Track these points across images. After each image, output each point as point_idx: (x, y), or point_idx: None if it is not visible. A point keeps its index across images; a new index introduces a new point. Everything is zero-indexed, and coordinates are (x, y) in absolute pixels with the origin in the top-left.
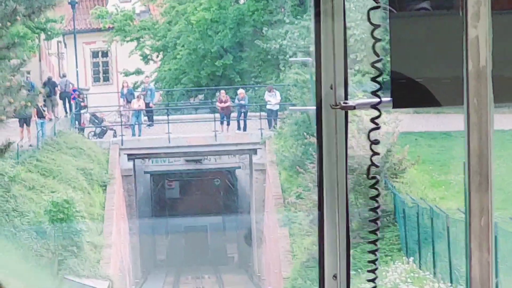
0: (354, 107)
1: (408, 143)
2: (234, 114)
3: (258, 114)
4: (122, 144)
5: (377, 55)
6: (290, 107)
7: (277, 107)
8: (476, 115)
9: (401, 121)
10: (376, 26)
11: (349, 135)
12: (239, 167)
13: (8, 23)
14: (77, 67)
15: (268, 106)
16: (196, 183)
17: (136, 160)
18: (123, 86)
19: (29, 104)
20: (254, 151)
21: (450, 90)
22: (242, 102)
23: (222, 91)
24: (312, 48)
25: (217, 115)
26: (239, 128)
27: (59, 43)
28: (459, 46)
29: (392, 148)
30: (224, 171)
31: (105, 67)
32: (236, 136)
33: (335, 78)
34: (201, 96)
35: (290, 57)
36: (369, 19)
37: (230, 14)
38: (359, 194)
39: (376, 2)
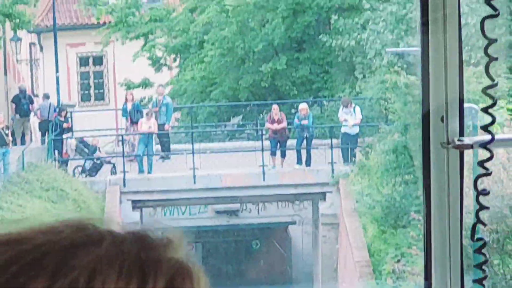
0: (471, 146)
1: None
2: (291, 142)
3: (327, 141)
4: (124, 186)
5: (492, 79)
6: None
7: (356, 129)
8: None
9: None
10: (491, 41)
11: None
12: (294, 222)
13: None
14: (58, 82)
15: (343, 129)
16: (227, 245)
17: (144, 209)
18: (126, 100)
19: None
20: (322, 196)
21: None
22: (305, 122)
23: (275, 106)
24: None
25: (266, 142)
26: (299, 161)
27: (32, 46)
28: None
29: None
30: (270, 228)
31: (98, 79)
32: (295, 174)
33: (448, 108)
34: (238, 118)
35: (372, 58)
36: (483, 31)
37: None
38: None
39: (494, 9)
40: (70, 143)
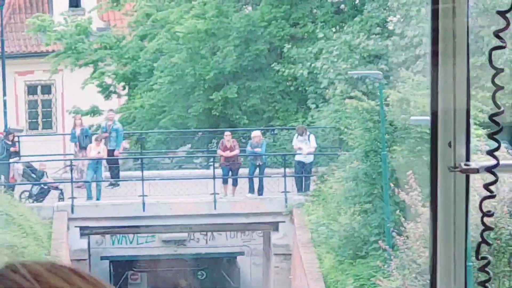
0: (477, 171)
1: None
2: (243, 170)
3: (281, 170)
4: (72, 212)
5: (498, 107)
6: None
7: (311, 158)
8: None
9: None
10: (499, 71)
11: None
12: (243, 253)
13: None
14: (5, 105)
15: (297, 157)
16: (173, 275)
17: (92, 236)
18: (74, 125)
19: None
20: (275, 226)
21: None
22: (258, 150)
23: (227, 133)
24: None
25: (218, 171)
26: (251, 190)
27: None
28: None
29: None
30: (218, 258)
31: (47, 107)
32: (247, 203)
33: (455, 133)
34: (188, 146)
35: (325, 87)
36: (490, 62)
37: (235, 24)
38: None
39: (501, 41)
40: (17, 167)
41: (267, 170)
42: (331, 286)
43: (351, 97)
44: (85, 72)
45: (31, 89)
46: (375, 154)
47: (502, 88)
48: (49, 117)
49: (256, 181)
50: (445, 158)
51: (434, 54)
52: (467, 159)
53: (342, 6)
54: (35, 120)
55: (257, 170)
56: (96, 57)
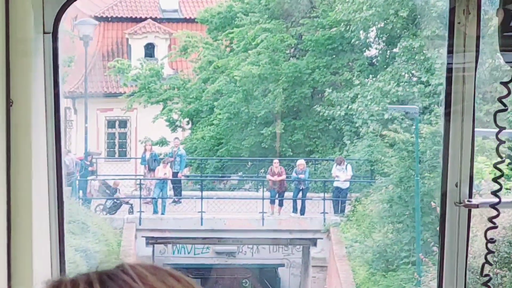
0: (477, 206)
1: None
2: (288, 193)
3: (321, 194)
4: (140, 224)
5: (501, 157)
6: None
7: (347, 185)
8: None
9: None
10: (501, 128)
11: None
12: (283, 265)
13: None
14: (86, 132)
15: (335, 184)
16: (222, 282)
17: (156, 246)
18: (145, 150)
19: None
20: (313, 242)
21: None
22: (302, 176)
23: (276, 161)
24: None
25: (266, 193)
26: (295, 210)
27: (67, 109)
28: None
29: None
30: (262, 268)
31: (123, 139)
32: (291, 221)
33: (461, 176)
34: (240, 173)
35: (359, 126)
36: (495, 121)
37: (284, 70)
38: None
39: (504, 105)
40: (93, 184)
41: (308, 194)
42: None
43: (389, 130)
44: (156, 109)
45: (110, 124)
46: (408, 180)
47: (504, 142)
48: (124, 147)
49: (299, 202)
50: (452, 195)
51: (447, 113)
52: (470, 196)
53: (375, 59)
54: (113, 149)
55: (300, 193)
56: (166, 96)
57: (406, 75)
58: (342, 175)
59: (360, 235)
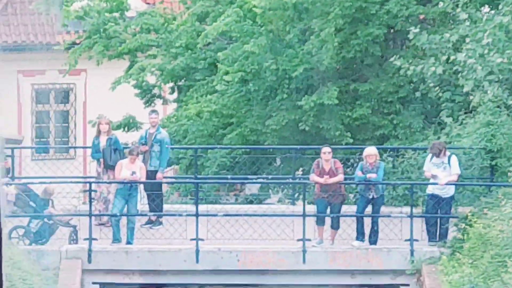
0: None
1: None
2: (348, 207)
3: (405, 208)
4: (89, 261)
5: None
6: None
7: (451, 191)
8: None
9: None
10: None
11: None
12: None
13: None
14: None
15: (429, 189)
16: None
17: None
18: (98, 132)
19: None
20: None
21: None
22: (373, 175)
23: (326, 149)
24: None
25: (310, 207)
26: (360, 236)
27: None
28: None
29: None
30: None
31: (62, 122)
32: (354, 254)
33: None
34: (262, 176)
35: (469, 92)
36: None
37: None
38: None
39: None
40: (8, 191)
41: (383, 208)
42: None
43: None
44: (118, 70)
45: (41, 96)
46: None
47: None
48: (65, 135)
49: (367, 222)
50: None
51: None
52: None
53: None
54: (44, 138)
55: (370, 207)
56: (135, 45)
57: None
58: (441, 174)
59: (478, 277)
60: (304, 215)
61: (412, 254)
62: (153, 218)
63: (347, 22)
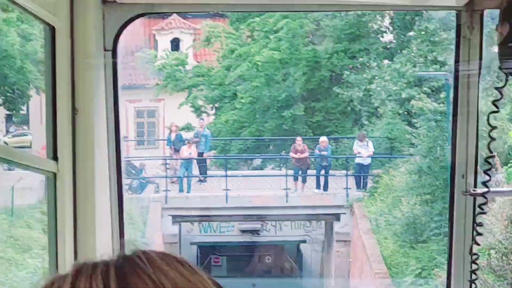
0: (481, 194)
1: None
2: (311, 171)
3: (343, 171)
4: (166, 202)
5: (491, 152)
6: None
7: (369, 161)
8: None
9: None
10: (493, 128)
11: None
12: (305, 241)
13: None
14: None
15: (357, 160)
16: (248, 260)
17: (183, 224)
18: (170, 131)
19: None
20: (337, 217)
21: None
22: (325, 153)
23: (299, 139)
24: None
25: (289, 171)
26: (318, 186)
27: None
28: None
29: None
30: (285, 245)
31: (151, 128)
32: (314, 197)
33: (467, 168)
34: (263, 153)
35: (377, 106)
36: (488, 121)
37: (304, 55)
38: None
39: (496, 107)
40: None
41: (331, 171)
42: (393, 267)
43: (416, 99)
44: (182, 97)
45: (139, 114)
46: (438, 150)
47: (494, 139)
48: (153, 135)
49: (322, 179)
50: (460, 185)
51: (454, 115)
52: (475, 186)
53: (391, 44)
54: (142, 136)
55: (323, 170)
56: (191, 83)
57: (421, 57)
58: (363, 151)
59: (386, 208)
60: (286, 175)
61: (347, 196)
62: (202, 178)
63: (309, 68)
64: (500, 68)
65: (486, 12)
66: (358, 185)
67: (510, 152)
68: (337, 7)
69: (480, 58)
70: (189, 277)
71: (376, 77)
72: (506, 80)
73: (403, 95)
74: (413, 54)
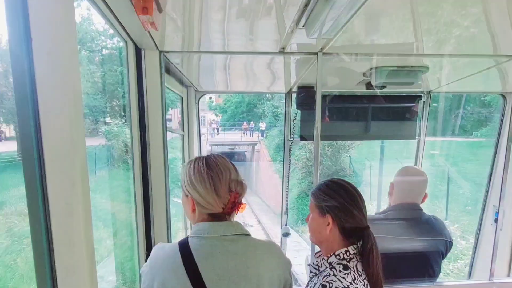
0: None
1: None
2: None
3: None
4: None
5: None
6: None
7: (263, 126)
8: None
9: None
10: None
11: None
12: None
13: None
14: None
15: (261, 128)
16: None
17: None
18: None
19: None
20: (256, 144)
21: None
22: (252, 126)
23: (245, 122)
24: None
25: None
26: (251, 135)
27: None
28: None
29: None
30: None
31: None
32: (249, 139)
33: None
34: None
35: None
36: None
37: None
38: None
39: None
40: None
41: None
42: (274, 158)
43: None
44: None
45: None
46: None
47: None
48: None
49: (252, 134)
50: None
51: None
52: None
53: None
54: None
55: (252, 132)
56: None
57: None
58: (262, 126)
59: (270, 142)
60: (244, 132)
61: (258, 138)
62: None
63: None
64: None
65: None
66: (262, 135)
67: None
68: None
69: None
70: None
71: None
72: None
73: None
74: None
